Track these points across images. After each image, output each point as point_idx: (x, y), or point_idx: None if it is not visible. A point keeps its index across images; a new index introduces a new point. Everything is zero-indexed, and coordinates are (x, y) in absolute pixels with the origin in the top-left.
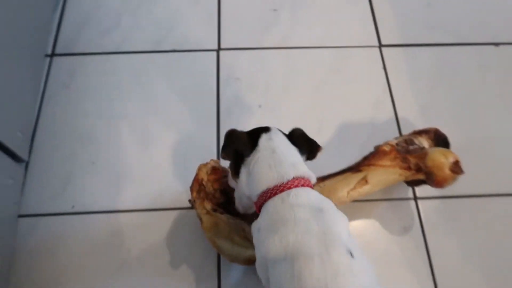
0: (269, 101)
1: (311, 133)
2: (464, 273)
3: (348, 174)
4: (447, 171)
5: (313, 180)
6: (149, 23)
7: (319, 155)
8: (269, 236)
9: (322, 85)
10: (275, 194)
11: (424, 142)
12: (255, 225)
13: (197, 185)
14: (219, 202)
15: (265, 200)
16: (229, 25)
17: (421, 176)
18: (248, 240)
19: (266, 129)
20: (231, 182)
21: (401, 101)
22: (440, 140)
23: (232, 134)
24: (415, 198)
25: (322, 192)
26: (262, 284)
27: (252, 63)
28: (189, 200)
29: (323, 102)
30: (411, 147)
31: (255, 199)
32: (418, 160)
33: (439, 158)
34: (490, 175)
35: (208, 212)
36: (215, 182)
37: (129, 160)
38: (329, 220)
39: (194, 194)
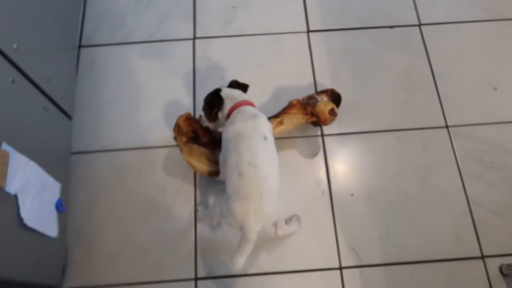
0: (229, 74)
1: (256, 95)
2: (350, 178)
3: (271, 119)
4: (327, 115)
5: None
6: (144, 20)
7: (249, 89)
8: (229, 126)
9: (266, 62)
10: (234, 108)
11: (324, 98)
12: (225, 125)
13: (177, 127)
14: (191, 137)
15: (230, 113)
16: (201, 20)
17: (314, 119)
18: (210, 161)
19: (218, 89)
20: (209, 124)
21: (319, 71)
22: (334, 96)
23: (211, 101)
24: (322, 135)
25: None
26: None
27: (218, 47)
28: (173, 137)
29: (265, 74)
30: (310, 101)
31: (226, 117)
32: (311, 108)
33: (322, 107)
34: (370, 119)
35: (184, 144)
36: (188, 126)
37: (136, 116)
38: (258, 121)
39: (175, 133)
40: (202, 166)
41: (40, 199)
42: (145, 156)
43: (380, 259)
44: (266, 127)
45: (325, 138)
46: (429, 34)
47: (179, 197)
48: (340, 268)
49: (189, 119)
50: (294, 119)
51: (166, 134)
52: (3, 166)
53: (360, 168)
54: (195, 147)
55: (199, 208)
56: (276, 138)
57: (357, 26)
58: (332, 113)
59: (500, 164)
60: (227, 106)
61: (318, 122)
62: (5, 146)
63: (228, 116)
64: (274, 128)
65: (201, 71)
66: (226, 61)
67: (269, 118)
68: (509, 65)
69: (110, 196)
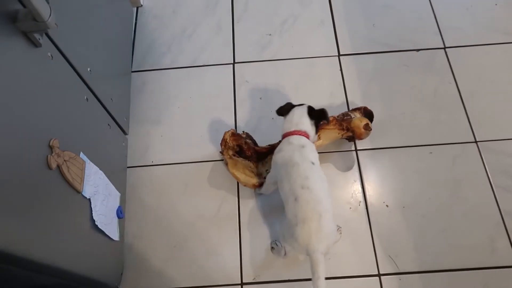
0: (266, 94)
1: None
2: (384, 190)
3: None
4: (362, 129)
5: (311, 134)
6: (188, 48)
7: (325, 120)
8: (278, 153)
9: (300, 83)
10: (287, 136)
11: (357, 115)
12: (276, 149)
13: (223, 142)
14: (236, 151)
15: (283, 137)
16: (240, 46)
17: (350, 134)
18: (253, 173)
19: (300, 105)
20: None
21: (350, 91)
22: (367, 113)
23: (284, 106)
24: (356, 150)
25: None
26: (263, 195)
27: (256, 70)
28: (220, 152)
29: (300, 94)
30: (345, 118)
31: (282, 136)
32: (347, 124)
33: (357, 122)
34: (400, 135)
35: (230, 157)
36: (233, 140)
37: (185, 133)
38: (305, 151)
39: (223, 147)
40: (246, 178)
41: (106, 205)
42: (191, 169)
43: (417, 267)
44: (312, 155)
45: (359, 152)
46: (454, 56)
47: (223, 206)
48: (379, 275)
49: (234, 134)
50: (331, 134)
51: (210, 150)
52: (81, 172)
53: (393, 180)
54: (240, 160)
55: (273, 245)
56: None
57: (384, 50)
58: (367, 127)
59: None
60: (286, 127)
61: (353, 136)
62: (82, 155)
63: (286, 135)
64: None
65: (241, 92)
66: (263, 83)
67: None
68: None
69: (160, 206)
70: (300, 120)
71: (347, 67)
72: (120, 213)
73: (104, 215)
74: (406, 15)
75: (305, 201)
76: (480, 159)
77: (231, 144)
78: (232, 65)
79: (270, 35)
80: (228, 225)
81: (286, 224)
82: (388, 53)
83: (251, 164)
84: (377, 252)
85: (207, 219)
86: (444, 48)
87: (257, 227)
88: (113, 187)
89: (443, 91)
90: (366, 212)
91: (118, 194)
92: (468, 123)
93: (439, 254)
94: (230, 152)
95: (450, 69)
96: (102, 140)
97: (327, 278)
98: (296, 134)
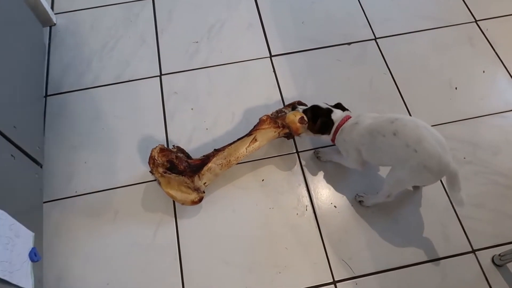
0: (198, 104)
1: (227, 120)
2: (331, 191)
3: (245, 138)
4: (297, 124)
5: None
6: (111, 64)
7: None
8: (346, 134)
9: (233, 88)
10: (341, 124)
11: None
12: (338, 140)
13: (152, 160)
14: (167, 168)
15: (336, 132)
16: (166, 57)
17: (286, 130)
18: (190, 188)
19: (330, 111)
20: (311, 134)
21: (286, 91)
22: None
23: (326, 123)
24: (297, 151)
25: (229, 152)
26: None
27: (185, 80)
28: (150, 171)
29: (234, 100)
30: (279, 114)
31: (332, 137)
32: (282, 120)
33: (291, 117)
34: None
35: (161, 175)
36: (162, 156)
37: (111, 156)
38: (364, 115)
39: (151, 165)
40: (183, 195)
41: (12, 249)
42: (121, 195)
43: (372, 268)
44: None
45: (300, 154)
46: (385, 46)
47: (160, 230)
48: (334, 282)
49: (163, 150)
50: (267, 134)
51: (141, 170)
52: None
53: (339, 178)
54: (173, 176)
55: (362, 199)
56: (252, 160)
57: (316, 46)
58: (302, 121)
59: (472, 158)
60: (335, 124)
61: (290, 133)
62: None
63: (337, 130)
64: (248, 145)
65: (170, 104)
66: (194, 92)
67: (242, 137)
68: (464, 65)
69: (89, 240)
70: (339, 111)
71: (280, 67)
72: (34, 256)
73: (9, 262)
74: (334, 10)
75: (403, 126)
76: None
77: (160, 160)
78: (159, 77)
79: (197, 42)
80: (166, 251)
81: (394, 175)
82: (320, 49)
83: (186, 179)
84: (329, 257)
85: (143, 247)
86: (375, 39)
87: (198, 248)
88: (23, 227)
89: (379, 81)
90: (314, 216)
91: (31, 234)
92: (406, 110)
93: (393, 250)
94: (161, 170)
95: (383, 59)
96: (4, 173)
97: None
98: (346, 118)
